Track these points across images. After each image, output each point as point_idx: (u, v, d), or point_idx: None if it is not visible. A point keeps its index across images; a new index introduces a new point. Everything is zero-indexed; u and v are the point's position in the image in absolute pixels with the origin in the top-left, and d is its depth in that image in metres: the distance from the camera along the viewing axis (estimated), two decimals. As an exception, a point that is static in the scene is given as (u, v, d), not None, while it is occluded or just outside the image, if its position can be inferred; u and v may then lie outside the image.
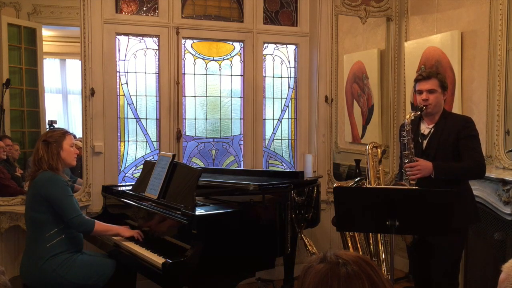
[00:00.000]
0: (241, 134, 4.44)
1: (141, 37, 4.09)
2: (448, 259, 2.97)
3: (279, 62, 4.54)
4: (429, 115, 3.04)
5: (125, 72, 4.08)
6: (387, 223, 2.54)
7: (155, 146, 4.19)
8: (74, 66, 4.52)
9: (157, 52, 4.11)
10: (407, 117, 2.99)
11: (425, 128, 3.07)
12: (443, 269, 2.99)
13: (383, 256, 3.63)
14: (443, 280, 3.00)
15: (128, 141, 4.14)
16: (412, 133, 3.01)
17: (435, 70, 3.20)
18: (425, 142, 3.04)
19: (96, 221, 3.08)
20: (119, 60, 4.04)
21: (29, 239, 3.02)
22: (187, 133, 4.28)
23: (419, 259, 3.14)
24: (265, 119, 4.50)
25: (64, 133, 3.11)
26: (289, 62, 4.57)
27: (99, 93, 3.88)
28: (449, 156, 2.95)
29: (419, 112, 3.00)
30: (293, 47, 4.56)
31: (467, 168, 2.91)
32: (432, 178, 2.88)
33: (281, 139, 4.61)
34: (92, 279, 2.97)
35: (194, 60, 4.28)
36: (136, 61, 4.11)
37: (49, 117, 4.34)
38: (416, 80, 3.06)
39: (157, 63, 4.12)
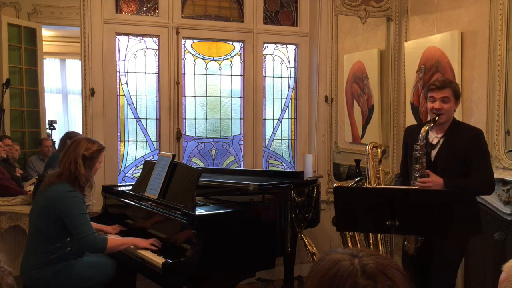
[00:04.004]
0: (241, 134, 4.44)
1: (141, 37, 4.09)
2: (447, 269, 2.94)
3: (279, 62, 4.54)
4: (440, 124, 2.94)
5: (125, 72, 4.08)
6: (387, 223, 2.54)
7: (155, 146, 4.19)
8: (74, 66, 4.53)
9: (157, 52, 4.11)
10: (422, 130, 2.84)
11: (434, 137, 2.97)
12: (440, 278, 2.96)
13: (383, 256, 3.62)
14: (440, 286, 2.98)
15: (128, 141, 4.14)
16: (411, 141, 2.93)
17: (449, 79, 3.11)
18: (434, 152, 2.95)
19: (108, 238, 2.95)
20: (119, 60, 4.04)
21: (31, 247, 2.91)
22: (187, 133, 4.28)
23: (416, 268, 3.09)
24: (265, 119, 4.50)
25: (101, 150, 2.99)
26: (289, 62, 4.57)
27: (99, 93, 3.88)
28: (457, 169, 2.88)
29: (432, 124, 2.89)
30: (293, 47, 4.56)
31: (477, 186, 2.87)
32: None
33: (281, 139, 4.61)
34: (93, 281, 2.95)
35: (194, 60, 4.28)
36: (136, 61, 4.11)
37: (49, 117, 4.35)
38: (429, 89, 2.94)
39: (157, 63, 4.12)
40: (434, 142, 2.97)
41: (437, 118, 2.86)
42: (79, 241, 2.82)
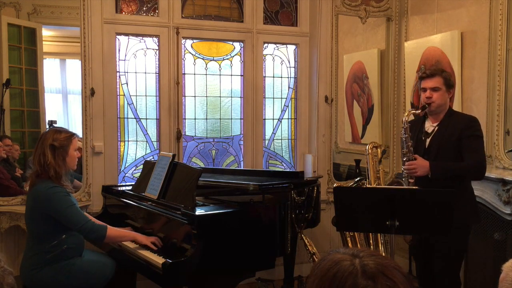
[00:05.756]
0: (241, 134, 4.44)
1: (141, 37, 4.09)
2: (450, 258, 2.97)
3: (279, 62, 4.54)
4: (434, 113, 3.03)
5: (125, 72, 4.08)
6: (387, 223, 2.54)
7: (155, 146, 4.19)
8: (74, 66, 4.51)
9: (157, 52, 4.11)
10: (405, 114, 2.99)
11: (429, 126, 3.07)
12: (445, 268, 2.98)
13: (383, 256, 3.62)
14: (445, 279, 3.00)
15: (128, 141, 4.14)
16: (411, 131, 3.01)
17: (440, 68, 3.19)
18: (428, 140, 3.04)
19: (108, 226, 2.96)
20: (119, 60, 4.04)
21: (28, 248, 2.92)
22: (187, 133, 4.28)
23: (423, 259, 3.14)
24: (265, 119, 4.50)
25: (70, 136, 2.94)
26: (289, 62, 4.56)
27: (99, 93, 3.88)
28: (451, 155, 2.94)
29: (419, 110, 2.99)
30: (293, 47, 4.56)
31: (466, 168, 2.90)
32: (429, 177, 2.88)
33: (281, 139, 4.61)
34: (92, 280, 2.95)
35: (194, 60, 4.28)
36: (136, 61, 4.11)
37: (49, 117, 4.34)
38: (421, 78, 3.05)
39: (157, 63, 4.12)
40: (429, 130, 3.06)
41: (427, 105, 2.95)
42: (78, 231, 2.84)
